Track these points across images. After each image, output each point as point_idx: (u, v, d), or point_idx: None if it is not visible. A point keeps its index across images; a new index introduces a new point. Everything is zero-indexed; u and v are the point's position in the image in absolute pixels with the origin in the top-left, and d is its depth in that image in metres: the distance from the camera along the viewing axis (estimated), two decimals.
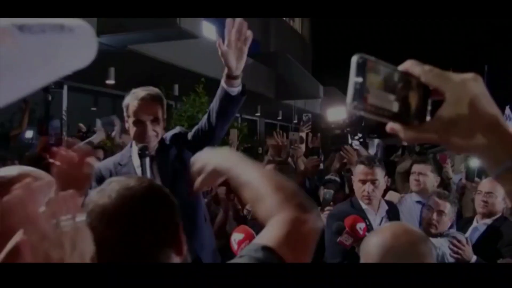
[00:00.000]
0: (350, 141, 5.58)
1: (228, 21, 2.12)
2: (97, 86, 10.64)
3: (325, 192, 3.63)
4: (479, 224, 3.46)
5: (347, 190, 4.63)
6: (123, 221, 1.00)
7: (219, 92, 2.40)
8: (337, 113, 7.53)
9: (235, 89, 2.36)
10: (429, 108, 0.72)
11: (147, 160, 2.44)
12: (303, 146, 5.73)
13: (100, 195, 1.04)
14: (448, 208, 3.13)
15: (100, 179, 2.53)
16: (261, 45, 16.09)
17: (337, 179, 4.50)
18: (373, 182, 3.04)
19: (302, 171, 4.69)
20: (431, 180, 3.93)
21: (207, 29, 8.24)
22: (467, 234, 3.39)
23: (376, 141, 7.37)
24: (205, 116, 2.53)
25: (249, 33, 2.21)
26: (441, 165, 5.03)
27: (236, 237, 1.69)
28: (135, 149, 2.54)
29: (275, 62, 14.27)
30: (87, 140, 4.94)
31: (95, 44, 0.84)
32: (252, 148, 6.14)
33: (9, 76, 0.69)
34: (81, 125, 6.69)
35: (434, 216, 3.11)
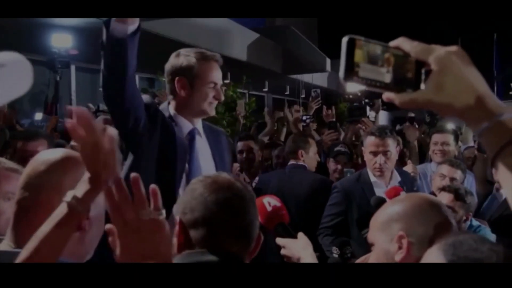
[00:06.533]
0: (368, 113, 5.54)
1: None
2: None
3: (346, 171, 3.79)
4: (498, 193, 3.47)
5: (360, 161, 4.63)
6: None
7: None
8: (355, 84, 7.41)
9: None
10: (422, 78, 0.81)
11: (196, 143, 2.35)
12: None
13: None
14: (460, 175, 3.25)
15: None
16: (266, 19, 15.92)
17: (347, 150, 4.46)
18: (385, 153, 2.96)
19: (320, 145, 4.69)
20: (453, 149, 3.92)
21: None
22: (486, 203, 3.50)
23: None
24: None
25: None
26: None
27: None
28: None
29: (281, 36, 14.11)
30: None
31: (30, 73, 0.90)
32: (265, 124, 6.36)
33: None
34: (90, 104, 6.70)
35: (448, 183, 3.14)
